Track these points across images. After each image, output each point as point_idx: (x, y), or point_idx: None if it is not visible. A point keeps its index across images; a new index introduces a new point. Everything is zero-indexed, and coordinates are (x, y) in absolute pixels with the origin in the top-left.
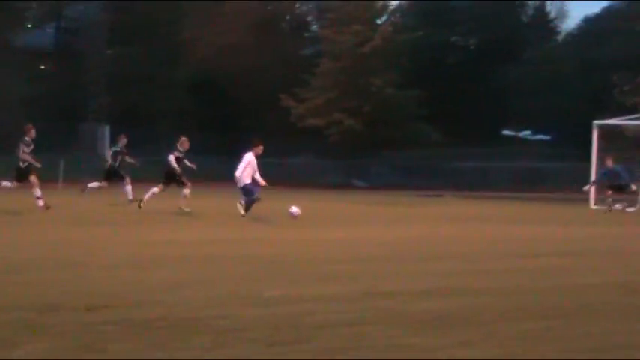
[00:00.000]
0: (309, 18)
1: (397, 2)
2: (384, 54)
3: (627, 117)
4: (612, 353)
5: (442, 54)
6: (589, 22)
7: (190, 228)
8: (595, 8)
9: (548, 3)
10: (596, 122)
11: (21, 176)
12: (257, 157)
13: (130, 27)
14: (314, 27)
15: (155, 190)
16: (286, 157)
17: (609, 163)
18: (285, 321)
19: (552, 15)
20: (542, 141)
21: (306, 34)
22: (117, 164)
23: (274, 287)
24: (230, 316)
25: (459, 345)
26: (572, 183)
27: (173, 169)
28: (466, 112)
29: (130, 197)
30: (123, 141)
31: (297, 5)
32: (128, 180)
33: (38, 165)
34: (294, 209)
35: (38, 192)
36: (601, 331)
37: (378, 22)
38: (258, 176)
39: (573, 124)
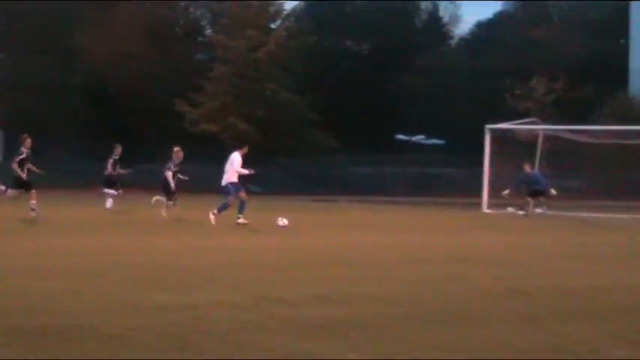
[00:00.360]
0: (202, 23)
1: (291, 7)
2: (278, 59)
3: (519, 121)
4: (495, 357)
5: (336, 59)
6: (481, 27)
7: (86, 236)
8: (487, 13)
9: (441, 8)
10: (488, 126)
11: (27, 185)
12: (243, 157)
13: (22, 32)
14: (208, 32)
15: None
16: (182, 162)
17: (527, 168)
18: (174, 328)
19: (445, 20)
20: (435, 146)
21: (200, 39)
22: (115, 173)
23: (166, 293)
24: (119, 323)
25: (349, 351)
26: (465, 187)
27: (169, 184)
28: (360, 117)
29: (108, 206)
30: (118, 149)
31: (190, 10)
32: (120, 192)
33: (23, 176)
34: (282, 221)
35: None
36: (492, 336)
37: (272, 26)
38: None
39: (467, 128)
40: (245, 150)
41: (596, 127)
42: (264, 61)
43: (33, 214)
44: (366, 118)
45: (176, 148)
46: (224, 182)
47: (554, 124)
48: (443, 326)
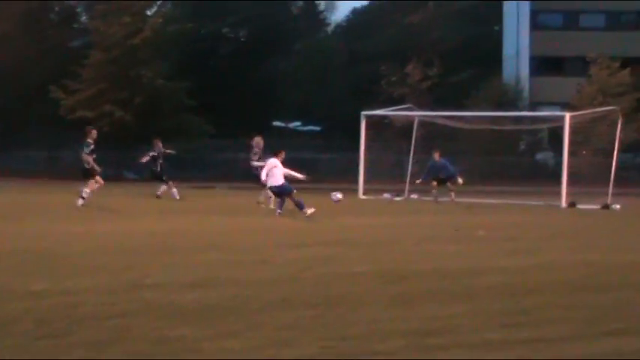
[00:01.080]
0: (78, 9)
1: None
2: (154, 45)
3: (395, 107)
4: (376, 340)
5: (213, 45)
6: (357, 13)
7: None
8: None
9: None
10: (364, 113)
11: (87, 176)
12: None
13: None
14: (84, 18)
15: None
16: (57, 149)
17: (436, 156)
18: (52, 314)
19: (322, 7)
20: (312, 132)
21: (75, 26)
22: (158, 168)
23: (41, 280)
24: None
25: (226, 335)
26: (342, 173)
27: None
28: (237, 103)
29: (177, 197)
30: (159, 145)
31: None
32: (171, 183)
33: (97, 169)
34: (337, 195)
35: (88, 191)
36: (366, 319)
37: (148, 13)
38: (293, 172)
39: (343, 114)
40: (282, 155)
41: (469, 113)
42: (140, 48)
43: (81, 201)
44: (243, 104)
45: (257, 138)
46: (276, 184)
47: (430, 109)
48: (317, 309)
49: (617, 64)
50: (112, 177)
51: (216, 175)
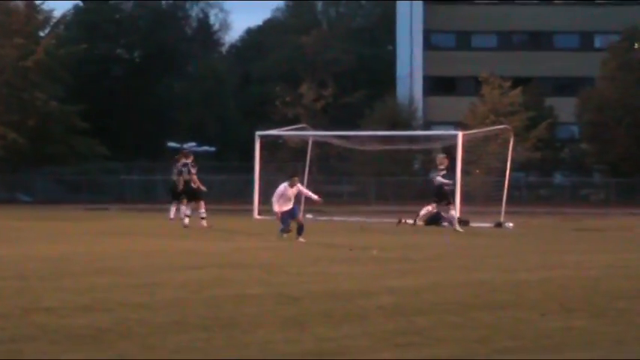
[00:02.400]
0: None
1: (60, 14)
2: (47, 67)
3: (289, 127)
4: None
5: (106, 66)
6: (251, 33)
7: None
8: (257, 20)
9: (211, 15)
10: (258, 133)
11: (193, 196)
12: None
13: None
14: None
15: (429, 207)
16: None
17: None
18: None
19: (216, 27)
20: (207, 153)
21: None
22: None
23: None
24: None
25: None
26: (237, 194)
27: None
28: (131, 124)
29: (172, 217)
30: (182, 160)
31: None
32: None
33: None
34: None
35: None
36: (259, 341)
37: (41, 34)
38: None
39: (238, 135)
40: (295, 181)
41: (363, 132)
42: (33, 70)
43: (204, 222)
44: (138, 126)
45: (441, 156)
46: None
47: (325, 130)
48: (210, 332)
49: (508, 84)
50: (5, 200)
51: (110, 197)
